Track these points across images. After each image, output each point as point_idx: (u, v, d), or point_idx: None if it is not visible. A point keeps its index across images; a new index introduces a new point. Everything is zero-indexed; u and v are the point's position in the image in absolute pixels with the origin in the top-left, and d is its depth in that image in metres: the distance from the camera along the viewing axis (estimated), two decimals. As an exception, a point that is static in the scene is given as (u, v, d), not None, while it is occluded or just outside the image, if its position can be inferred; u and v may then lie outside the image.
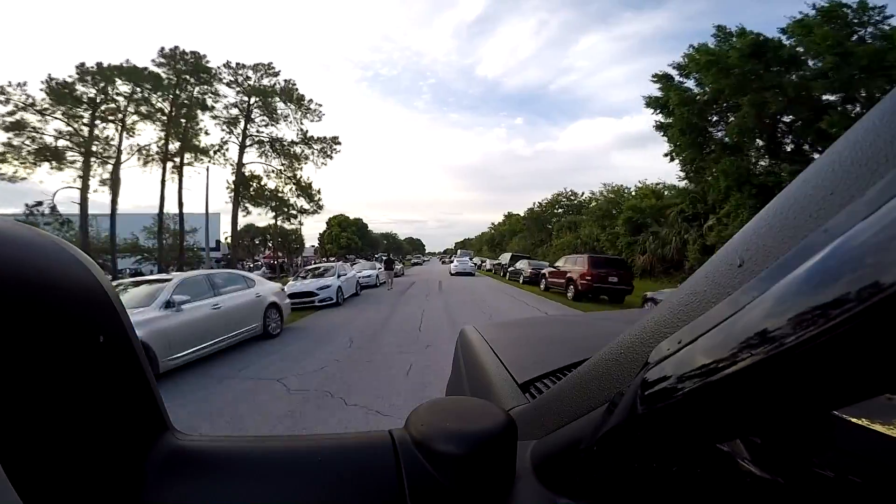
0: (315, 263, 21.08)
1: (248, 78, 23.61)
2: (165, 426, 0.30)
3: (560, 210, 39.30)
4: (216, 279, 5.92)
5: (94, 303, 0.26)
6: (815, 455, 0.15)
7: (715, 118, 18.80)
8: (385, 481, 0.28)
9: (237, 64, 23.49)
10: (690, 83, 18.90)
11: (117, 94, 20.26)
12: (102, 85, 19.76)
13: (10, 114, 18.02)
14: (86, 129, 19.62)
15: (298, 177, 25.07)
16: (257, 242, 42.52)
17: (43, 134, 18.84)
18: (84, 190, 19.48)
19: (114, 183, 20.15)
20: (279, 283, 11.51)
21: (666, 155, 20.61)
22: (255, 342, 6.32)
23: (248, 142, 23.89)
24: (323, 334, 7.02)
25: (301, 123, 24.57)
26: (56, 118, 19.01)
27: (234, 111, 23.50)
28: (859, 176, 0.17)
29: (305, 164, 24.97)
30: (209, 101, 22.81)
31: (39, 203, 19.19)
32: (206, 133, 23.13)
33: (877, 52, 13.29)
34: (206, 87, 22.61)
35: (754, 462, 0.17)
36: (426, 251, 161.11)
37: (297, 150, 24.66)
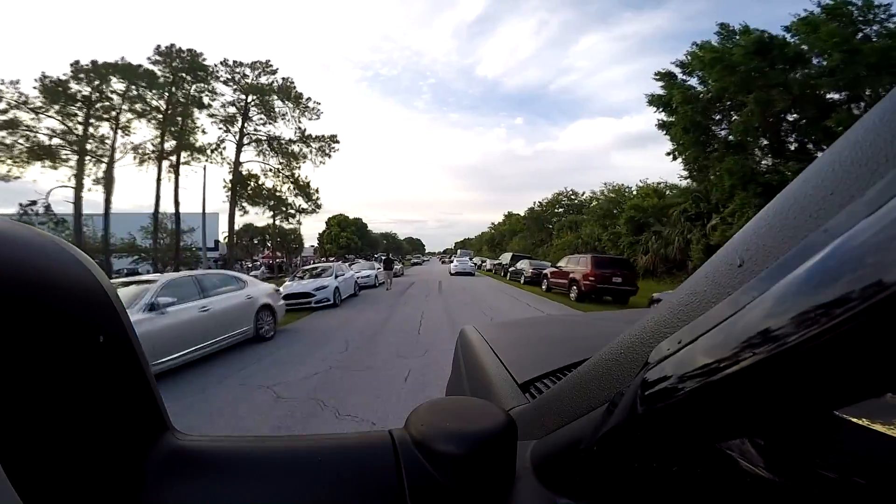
0: (314, 263, 20.82)
1: (246, 76, 23.36)
2: (165, 426, 0.29)
3: (560, 210, 39.07)
4: (205, 280, 5.65)
5: (94, 303, 0.26)
6: (815, 455, 0.15)
7: (718, 116, 18.59)
8: (385, 481, 0.28)
9: (234, 62, 23.24)
10: (693, 81, 18.72)
11: (112, 93, 19.99)
12: (97, 83, 19.49)
13: (3, 112, 17.75)
14: (80, 128, 19.35)
15: (296, 176, 24.81)
16: (256, 242, 42.31)
17: (37, 133, 18.58)
18: (78, 189, 19.23)
19: (108, 182, 19.90)
20: (278, 283, 11.35)
21: (668, 154, 20.40)
22: (247, 346, 6.05)
23: (245, 140, 23.62)
24: (318, 337, 6.75)
25: (299, 122, 24.34)
26: (50, 116, 18.76)
27: (232, 109, 23.25)
28: (859, 176, 0.17)
29: (304, 162, 24.72)
30: (206, 100, 22.55)
31: (34, 202, 18.92)
32: (204, 132, 22.88)
33: (884, 50, 13.06)
34: (202, 84, 22.35)
35: (754, 462, 0.17)
36: (426, 251, 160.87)
37: (295, 148, 24.41)
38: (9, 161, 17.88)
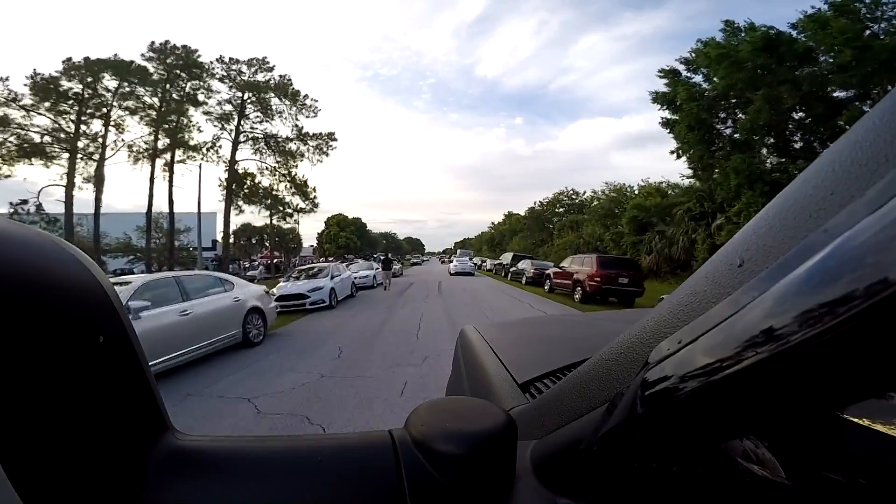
0: (310, 263, 20.41)
1: (242, 73, 22.93)
2: (165, 426, 0.29)
3: (561, 210, 38.68)
4: (187, 282, 5.26)
5: (94, 303, 0.26)
6: (816, 455, 0.15)
7: (723, 114, 18.24)
8: (385, 481, 0.28)
9: (230, 58, 22.83)
10: (698, 78, 18.37)
11: (104, 90, 19.58)
12: (89, 80, 19.07)
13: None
14: (71, 126, 18.93)
15: (293, 174, 24.36)
16: (254, 242, 41.88)
17: (28, 130, 18.16)
18: (69, 188, 18.80)
19: (98, 180, 19.46)
20: (276, 283, 10.94)
21: (672, 152, 20.06)
22: (233, 351, 5.67)
23: (241, 138, 23.19)
24: (310, 342, 6.37)
25: (296, 119, 23.89)
26: (41, 114, 18.34)
27: (228, 107, 22.81)
28: (859, 176, 0.17)
29: (301, 161, 24.26)
30: (201, 97, 22.12)
31: (24, 201, 18.49)
32: (200, 130, 22.49)
33: (895, 48, 12.72)
34: (197, 82, 21.92)
35: (754, 462, 0.17)
36: (425, 251, 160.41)
37: (293, 146, 23.96)
38: (-1, 159, 17.49)
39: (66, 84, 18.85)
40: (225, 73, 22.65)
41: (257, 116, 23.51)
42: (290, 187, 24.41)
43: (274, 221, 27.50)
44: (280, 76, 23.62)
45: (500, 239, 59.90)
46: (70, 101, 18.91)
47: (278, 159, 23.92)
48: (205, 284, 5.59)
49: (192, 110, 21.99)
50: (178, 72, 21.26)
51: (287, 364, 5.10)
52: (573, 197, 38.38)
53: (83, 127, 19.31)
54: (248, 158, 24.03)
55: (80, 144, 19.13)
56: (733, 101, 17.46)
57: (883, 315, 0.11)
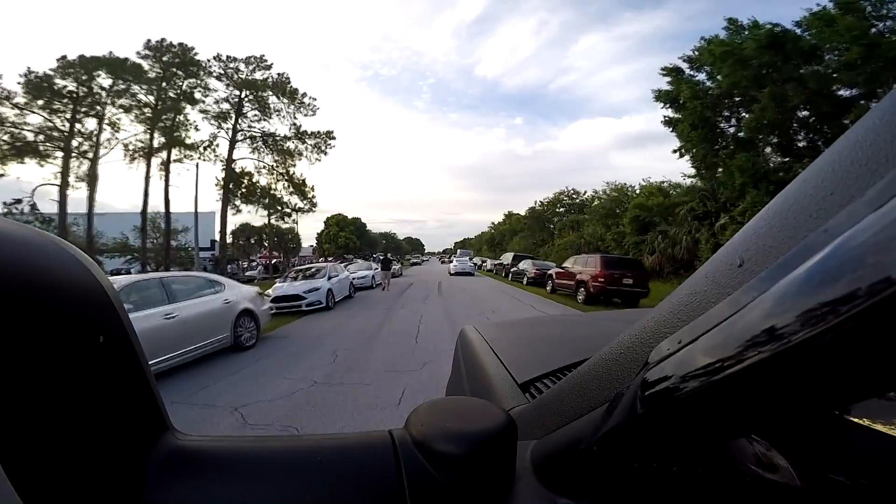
0: (308, 263, 20.15)
1: (239, 70, 22.65)
2: (165, 426, 0.29)
3: (562, 209, 38.43)
4: (173, 284, 4.99)
5: (94, 303, 0.26)
6: (816, 455, 0.15)
7: (727, 113, 18.01)
8: (385, 481, 0.28)
9: (228, 56, 22.55)
10: (702, 76, 18.16)
11: (99, 88, 19.28)
12: (83, 77, 18.78)
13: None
14: (63, 124, 18.63)
15: (291, 173, 24.06)
16: (253, 242, 41.60)
17: (22, 129, 17.87)
18: (63, 187, 18.52)
19: (91, 179, 19.19)
20: (275, 283, 10.68)
21: (675, 151, 19.84)
22: (224, 356, 5.40)
23: (239, 137, 22.90)
24: (305, 346, 6.10)
25: (294, 118, 23.59)
26: (35, 112, 18.06)
27: (225, 106, 22.51)
28: (859, 176, 0.17)
29: (299, 160, 23.95)
30: (198, 95, 21.82)
31: (18, 201, 18.21)
32: (197, 129, 22.14)
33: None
34: (194, 80, 21.63)
35: (754, 462, 0.17)
36: (425, 251, 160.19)
37: (291, 145, 23.66)
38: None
39: (60, 82, 18.58)
40: (222, 71, 22.38)
41: (255, 115, 23.24)
42: (288, 186, 24.12)
43: (272, 221, 27.22)
44: (278, 74, 23.37)
45: (500, 239, 59.69)
46: (64, 100, 18.63)
47: (276, 158, 23.63)
48: (192, 286, 5.32)
49: (188, 108, 21.73)
50: (174, 70, 20.98)
51: (279, 369, 4.84)
52: (574, 197, 38.17)
53: (77, 125, 19.02)
54: (246, 157, 23.77)
55: (75, 143, 18.84)
56: (737, 99, 17.24)
57: (883, 315, 0.11)
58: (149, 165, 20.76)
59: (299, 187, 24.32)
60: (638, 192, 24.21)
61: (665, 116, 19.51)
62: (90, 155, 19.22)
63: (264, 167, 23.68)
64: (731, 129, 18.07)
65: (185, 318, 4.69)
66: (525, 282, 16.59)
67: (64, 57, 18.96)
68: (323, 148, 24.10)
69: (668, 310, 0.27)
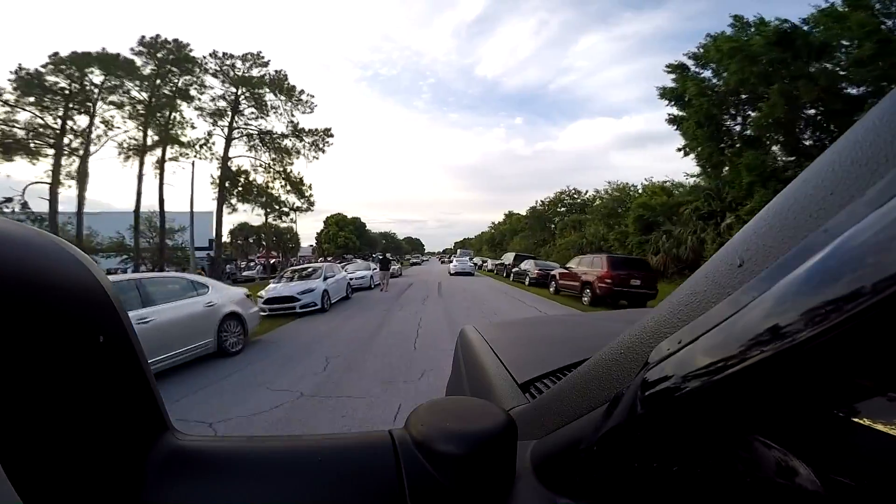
0: (304, 263, 19.74)
1: (235, 67, 22.19)
2: (165, 426, 0.29)
3: (563, 209, 38.03)
4: (150, 286, 4.60)
5: (94, 303, 0.26)
6: (816, 455, 0.15)
7: (733, 111, 17.64)
8: (385, 481, 0.28)
9: (224, 53, 22.10)
10: (707, 73, 17.79)
11: (91, 85, 18.85)
12: (75, 74, 18.35)
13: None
14: (52, 121, 18.17)
15: (288, 171, 23.61)
16: (251, 241, 41.20)
17: (12, 126, 17.45)
18: (54, 185, 18.10)
19: (82, 176, 18.74)
20: (273, 283, 10.29)
21: (679, 150, 19.50)
22: (206, 363, 5.01)
23: (235, 135, 22.45)
24: (295, 351, 5.71)
25: (292, 115, 23.13)
26: (25, 109, 17.63)
27: (222, 103, 22.05)
28: (859, 176, 0.17)
29: (297, 158, 23.47)
30: (193, 92, 21.36)
31: (9, 199, 17.79)
32: (193, 127, 21.70)
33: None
34: (189, 77, 21.19)
35: (754, 462, 0.17)
36: (425, 251, 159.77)
37: (288, 143, 23.20)
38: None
39: (51, 79, 18.15)
40: (218, 68, 21.94)
41: (252, 112, 22.78)
42: (286, 185, 23.68)
43: (270, 220, 26.79)
44: (275, 71, 22.93)
45: (500, 239, 59.30)
46: (56, 97, 18.20)
47: (273, 156, 23.18)
48: (171, 288, 4.93)
49: (184, 106, 21.27)
50: (168, 67, 20.54)
51: (264, 378, 4.45)
52: (575, 196, 37.76)
53: (69, 122, 18.59)
54: (242, 155, 23.30)
55: (66, 140, 18.41)
56: (744, 96, 16.88)
57: (883, 315, 0.11)
58: (142, 163, 20.28)
59: (297, 186, 23.88)
60: (640, 191, 23.85)
61: (669, 114, 19.18)
62: (81, 152, 18.80)
63: (261, 165, 23.25)
64: (737, 128, 17.72)
65: (161, 322, 4.29)
66: (527, 282, 16.20)
67: (56, 54, 18.56)
68: (321, 146, 23.65)
69: (668, 310, 0.27)
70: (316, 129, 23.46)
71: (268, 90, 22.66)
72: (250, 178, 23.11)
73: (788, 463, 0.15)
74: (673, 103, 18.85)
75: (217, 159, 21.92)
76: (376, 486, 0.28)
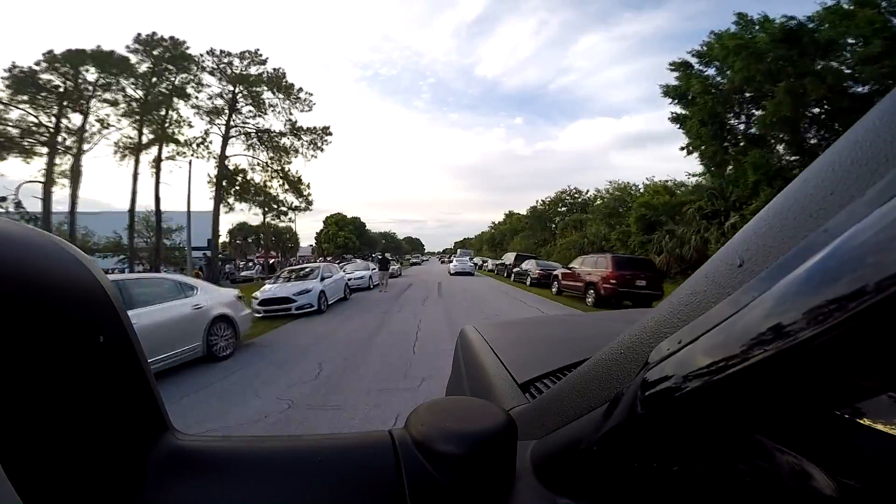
0: (304, 263, 19.48)
1: (233, 65, 21.87)
2: (165, 426, 0.29)
3: (564, 209, 37.78)
4: (133, 287, 4.35)
5: (94, 303, 0.26)
6: (816, 455, 0.15)
7: (737, 109, 17.40)
8: (385, 481, 0.28)
9: (221, 51, 21.80)
10: (711, 71, 17.55)
11: (85, 83, 18.55)
12: (69, 72, 18.06)
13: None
14: (46, 119, 17.88)
15: (286, 170, 23.30)
16: (250, 241, 40.93)
17: (6, 125, 17.17)
18: (48, 184, 17.82)
19: (74, 175, 18.44)
20: (268, 284, 10.05)
21: (682, 148, 19.28)
22: (193, 368, 4.76)
23: (233, 133, 22.15)
24: (288, 356, 5.45)
25: (290, 114, 22.80)
26: (19, 108, 17.35)
27: (219, 101, 21.75)
28: (859, 176, 0.17)
29: (295, 157, 23.15)
30: (190, 90, 21.06)
31: (3, 198, 17.53)
32: (190, 125, 21.39)
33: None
34: (186, 74, 20.89)
35: (754, 462, 0.17)
36: (425, 251, 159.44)
37: (286, 141, 22.87)
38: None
39: (45, 77, 17.87)
40: (215, 66, 21.65)
41: (249, 111, 22.46)
42: (283, 184, 23.38)
43: (269, 220, 26.51)
44: (273, 69, 22.64)
45: (500, 239, 59.08)
46: (49, 94, 17.91)
47: (271, 155, 22.87)
48: (156, 290, 4.67)
49: (181, 104, 20.96)
50: (165, 64, 20.24)
51: (253, 385, 4.19)
52: (576, 196, 37.51)
53: (64, 121, 18.31)
54: (240, 154, 23.04)
55: (60, 139, 18.13)
56: (748, 95, 16.65)
57: (883, 315, 0.11)
58: (137, 162, 19.99)
59: (294, 185, 23.58)
60: (642, 191, 23.62)
61: (672, 113, 18.99)
62: (75, 151, 18.52)
63: (258, 164, 22.95)
64: (742, 126, 17.48)
65: (143, 326, 4.02)
66: (528, 283, 15.94)
67: (51, 51, 18.29)
68: (319, 144, 23.31)
69: (668, 310, 0.27)
70: (314, 128, 23.15)
71: (266, 88, 22.37)
72: (248, 177, 22.82)
73: (789, 463, 0.15)
74: (676, 101, 18.63)
75: (214, 158, 21.63)
76: (376, 486, 0.28)
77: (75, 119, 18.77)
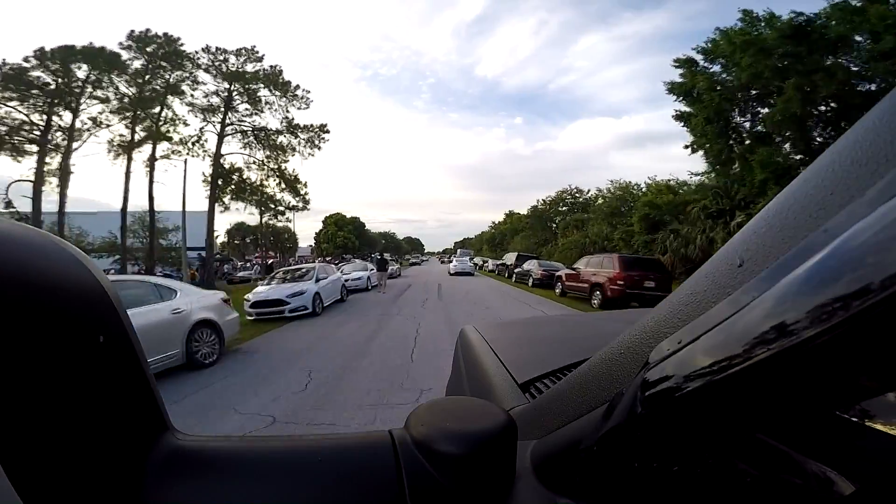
0: (303, 263, 19.10)
1: (229, 62, 21.45)
2: (165, 426, 0.29)
3: (564, 208, 37.41)
4: (103, 288, 3.96)
5: (94, 303, 0.26)
6: (816, 455, 0.15)
7: (743, 106, 17.05)
8: (385, 481, 0.28)
9: (217, 48, 21.40)
10: (717, 68, 17.20)
11: (76, 79, 18.15)
12: (59, 68, 17.66)
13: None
14: (36, 117, 17.48)
15: (283, 169, 22.87)
16: (248, 241, 40.54)
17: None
18: (38, 183, 17.39)
19: (64, 174, 18.03)
20: (261, 285, 9.67)
21: (687, 146, 18.89)
22: (172, 377, 4.39)
23: (228, 131, 21.73)
24: (276, 363, 5.07)
25: (287, 111, 22.39)
26: (8, 105, 16.94)
27: (215, 99, 21.34)
28: (859, 176, 0.17)
29: (292, 155, 22.71)
30: (185, 88, 20.64)
31: (-6, 198, 17.13)
32: (186, 124, 20.98)
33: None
34: (181, 72, 20.48)
35: (755, 462, 0.17)
36: (425, 251, 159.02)
37: (283, 139, 22.45)
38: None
39: (35, 74, 17.47)
40: (211, 63, 21.24)
41: (246, 109, 22.02)
42: (280, 183, 22.95)
43: (266, 220, 26.11)
44: (270, 66, 22.23)
45: (500, 239, 58.71)
46: (40, 92, 17.51)
47: (267, 153, 22.44)
48: (131, 293, 4.29)
49: (175, 102, 20.55)
50: (159, 61, 19.84)
51: (236, 397, 3.82)
52: (577, 195, 37.13)
53: (55, 119, 17.90)
54: (236, 152, 22.60)
55: (50, 136, 17.72)
56: (754, 92, 16.30)
57: (883, 315, 0.11)
58: (129, 160, 19.55)
59: (291, 184, 23.16)
60: (644, 190, 23.27)
61: (677, 110, 18.60)
62: (65, 149, 18.11)
63: (254, 162, 22.52)
64: (748, 124, 17.13)
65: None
66: (531, 284, 15.57)
67: (42, 48, 17.89)
68: (316, 142, 22.87)
69: (668, 310, 0.27)
70: (311, 126, 22.71)
71: (262, 85, 21.97)
72: (243, 176, 22.40)
73: (789, 463, 0.15)
74: (681, 99, 18.27)
75: (210, 156, 21.22)
76: (376, 486, 0.28)
77: (66, 117, 18.37)
